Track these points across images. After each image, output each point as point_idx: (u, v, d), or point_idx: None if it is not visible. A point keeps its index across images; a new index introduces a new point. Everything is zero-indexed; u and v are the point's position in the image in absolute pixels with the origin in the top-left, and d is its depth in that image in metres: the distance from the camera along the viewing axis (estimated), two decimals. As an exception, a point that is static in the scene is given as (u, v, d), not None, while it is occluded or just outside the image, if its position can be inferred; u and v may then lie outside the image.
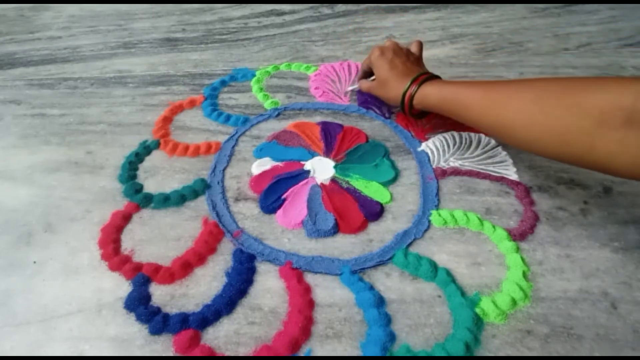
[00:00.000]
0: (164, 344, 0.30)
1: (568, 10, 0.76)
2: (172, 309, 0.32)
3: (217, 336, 0.30)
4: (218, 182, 0.42)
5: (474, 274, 0.34)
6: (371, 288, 0.33)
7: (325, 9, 0.78)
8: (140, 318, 0.31)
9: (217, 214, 0.39)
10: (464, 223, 0.38)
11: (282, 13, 0.77)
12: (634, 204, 0.40)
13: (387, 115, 0.51)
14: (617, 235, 0.37)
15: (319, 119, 0.51)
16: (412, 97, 0.44)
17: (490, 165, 0.44)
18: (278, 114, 0.51)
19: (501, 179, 0.42)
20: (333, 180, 0.42)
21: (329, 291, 0.33)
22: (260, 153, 0.46)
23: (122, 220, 0.38)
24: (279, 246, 0.36)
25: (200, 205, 0.40)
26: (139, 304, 0.32)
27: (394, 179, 0.42)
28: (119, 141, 0.47)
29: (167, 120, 0.50)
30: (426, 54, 0.54)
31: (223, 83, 0.57)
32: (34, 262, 0.35)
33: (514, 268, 0.34)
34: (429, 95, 0.43)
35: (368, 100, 0.53)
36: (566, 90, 0.32)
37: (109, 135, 0.48)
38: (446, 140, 0.47)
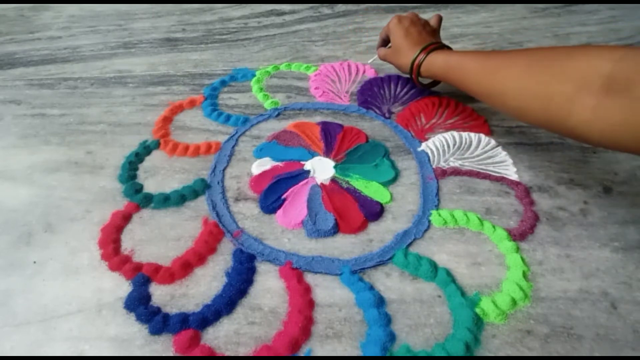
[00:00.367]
0: (164, 344, 0.30)
1: (568, 10, 0.76)
2: (172, 309, 0.32)
3: (217, 336, 0.30)
4: (218, 182, 0.42)
5: (474, 274, 0.34)
6: (371, 288, 0.33)
7: (325, 9, 0.78)
8: (140, 318, 0.31)
9: (217, 214, 0.39)
10: (464, 223, 0.38)
11: (282, 13, 0.77)
12: (634, 204, 0.40)
13: (387, 115, 0.51)
14: (617, 235, 0.37)
15: (319, 119, 0.51)
16: (420, 65, 0.45)
17: (490, 165, 0.44)
18: (278, 114, 0.51)
19: (501, 179, 0.42)
20: (333, 180, 0.42)
21: (329, 291, 0.33)
22: (260, 153, 0.46)
23: (122, 220, 0.38)
24: (279, 246, 0.36)
25: (200, 205, 0.40)
26: (139, 304, 0.32)
27: (394, 179, 0.42)
28: (119, 141, 0.47)
29: (167, 120, 0.50)
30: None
31: (223, 83, 0.57)
32: (34, 262, 0.35)
33: (514, 268, 0.34)
34: (435, 63, 0.44)
35: (368, 100, 0.53)
36: (554, 57, 0.33)
37: (109, 135, 0.48)
38: (446, 140, 0.47)
